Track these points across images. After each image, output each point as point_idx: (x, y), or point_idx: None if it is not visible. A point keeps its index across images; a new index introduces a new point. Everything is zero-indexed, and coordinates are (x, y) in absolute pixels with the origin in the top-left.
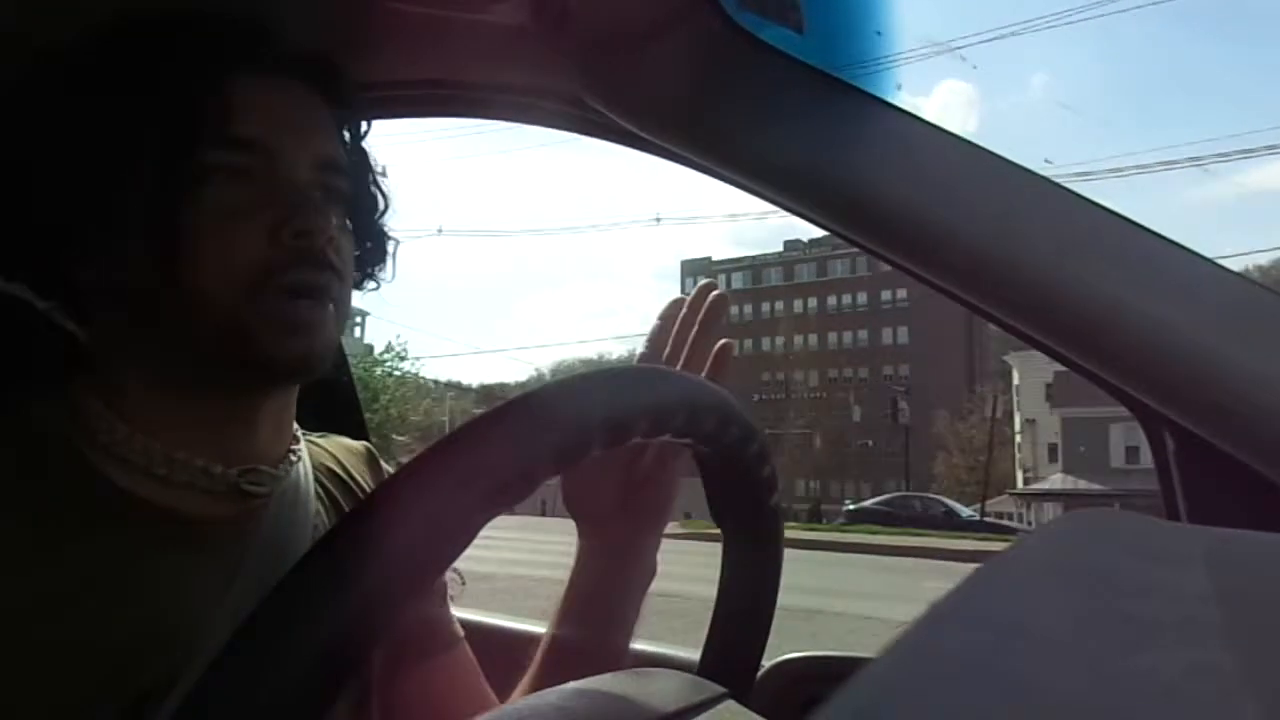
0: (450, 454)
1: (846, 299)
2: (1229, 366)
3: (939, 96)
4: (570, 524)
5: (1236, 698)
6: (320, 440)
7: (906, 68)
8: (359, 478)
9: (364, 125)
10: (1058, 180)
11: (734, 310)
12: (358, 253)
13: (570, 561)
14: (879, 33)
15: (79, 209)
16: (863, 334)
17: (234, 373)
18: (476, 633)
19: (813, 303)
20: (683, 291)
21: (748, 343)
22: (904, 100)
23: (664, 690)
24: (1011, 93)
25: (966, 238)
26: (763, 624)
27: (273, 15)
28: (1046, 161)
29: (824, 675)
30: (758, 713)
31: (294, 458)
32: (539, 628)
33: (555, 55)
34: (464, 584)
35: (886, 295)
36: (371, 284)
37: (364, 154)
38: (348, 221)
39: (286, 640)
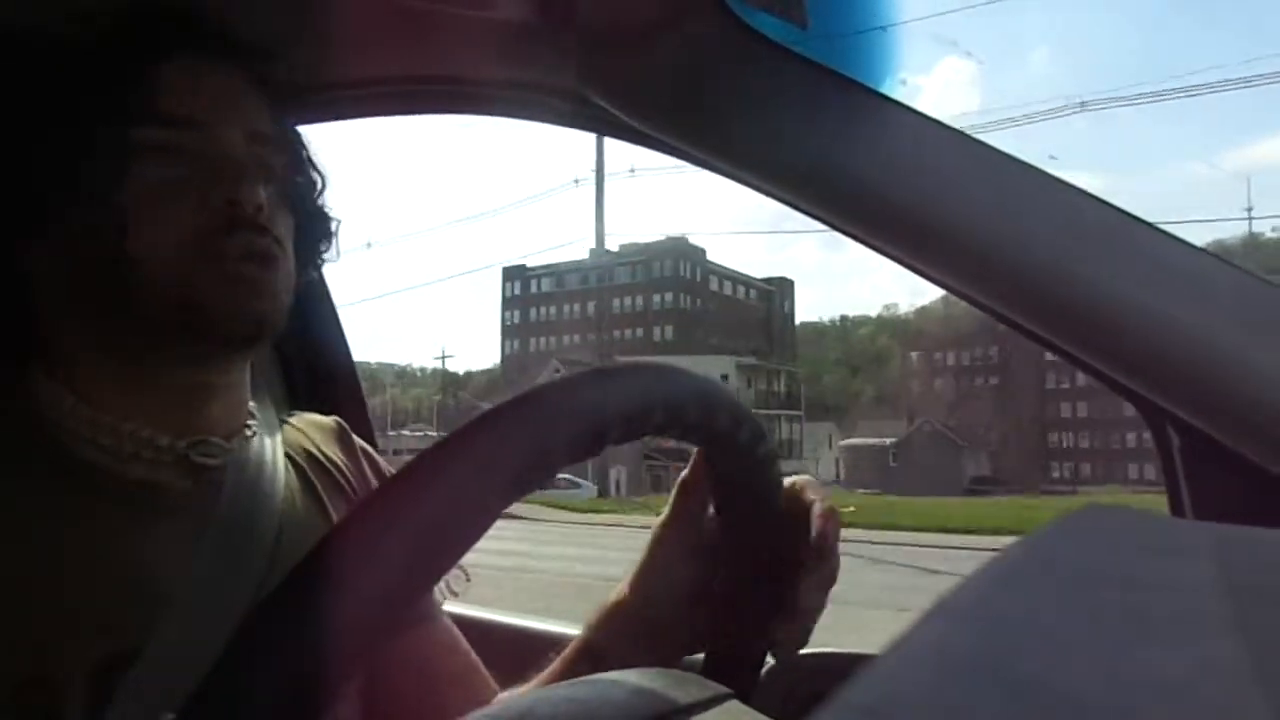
0: (466, 444)
1: (628, 301)
2: (1234, 362)
3: (940, 74)
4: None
5: (1245, 694)
6: (291, 419)
7: (907, 47)
8: (329, 454)
9: (292, 104)
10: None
11: (541, 310)
12: (299, 232)
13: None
14: (883, 28)
15: (14, 193)
16: (639, 331)
17: (187, 343)
18: (476, 628)
19: (604, 304)
20: (503, 294)
21: (551, 339)
22: (905, 81)
23: (668, 689)
24: (1012, 68)
25: (970, 234)
26: (767, 622)
27: (274, 15)
28: (1051, 158)
29: (829, 672)
30: (762, 710)
31: (249, 432)
32: (538, 624)
33: (558, 50)
34: (469, 579)
35: (657, 299)
36: (317, 262)
37: (297, 134)
38: (291, 202)
39: (295, 633)
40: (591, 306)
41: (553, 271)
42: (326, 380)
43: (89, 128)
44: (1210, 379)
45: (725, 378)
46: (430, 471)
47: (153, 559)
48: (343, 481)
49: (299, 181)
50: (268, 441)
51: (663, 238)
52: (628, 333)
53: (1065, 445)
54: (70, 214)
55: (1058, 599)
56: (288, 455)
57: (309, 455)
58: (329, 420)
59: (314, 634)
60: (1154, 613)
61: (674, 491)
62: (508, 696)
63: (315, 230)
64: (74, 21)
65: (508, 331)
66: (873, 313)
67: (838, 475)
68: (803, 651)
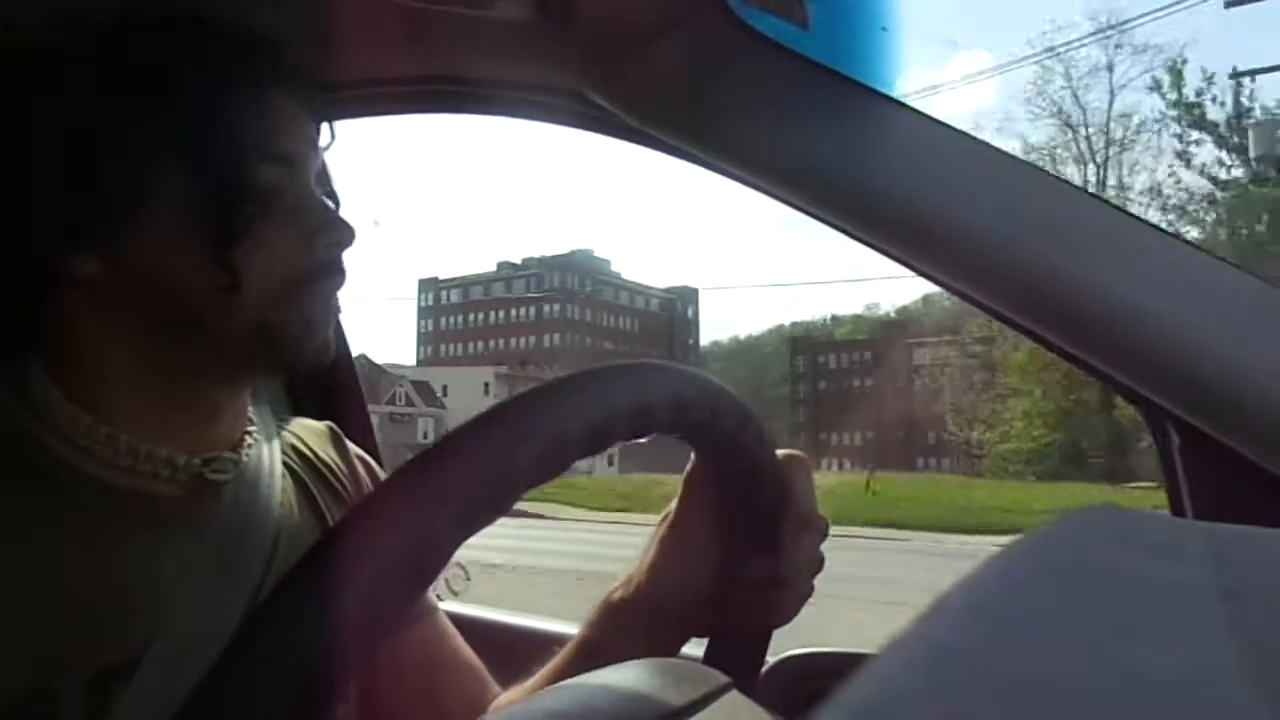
0: (442, 459)
1: (525, 311)
2: (1233, 361)
3: (954, 68)
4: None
5: (1242, 695)
6: (285, 424)
7: (916, 43)
8: (324, 457)
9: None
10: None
11: (451, 320)
12: None
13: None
14: (884, 28)
15: (122, 208)
16: (531, 339)
17: (250, 374)
18: (476, 628)
19: (503, 314)
20: (419, 304)
21: (458, 347)
22: (919, 76)
23: (663, 689)
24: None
25: (970, 233)
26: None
27: (275, 13)
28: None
29: (828, 671)
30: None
31: (250, 440)
32: (539, 624)
33: (559, 51)
34: (469, 579)
35: (547, 309)
36: None
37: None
38: None
39: (283, 643)
40: (492, 316)
41: (460, 283)
42: (328, 386)
43: (211, 158)
44: (1211, 379)
45: (486, 387)
46: (411, 485)
47: (152, 569)
48: (338, 486)
49: None
50: (265, 449)
51: (566, 250)
52: (521, 340)
53: (930, 440)
54: (176, 239)
55: (1055, 599)
56: (284, 461)
57: (305, 460)
58: (322, 425)
59: (304, 643)
60: (1152, 613)
61: (681, 486)
62: (505, 700)
63: None
64: (189, 56)
65: (422, 339)
66: (857, 310)
67: (610, 460)
68: (801, 651)
